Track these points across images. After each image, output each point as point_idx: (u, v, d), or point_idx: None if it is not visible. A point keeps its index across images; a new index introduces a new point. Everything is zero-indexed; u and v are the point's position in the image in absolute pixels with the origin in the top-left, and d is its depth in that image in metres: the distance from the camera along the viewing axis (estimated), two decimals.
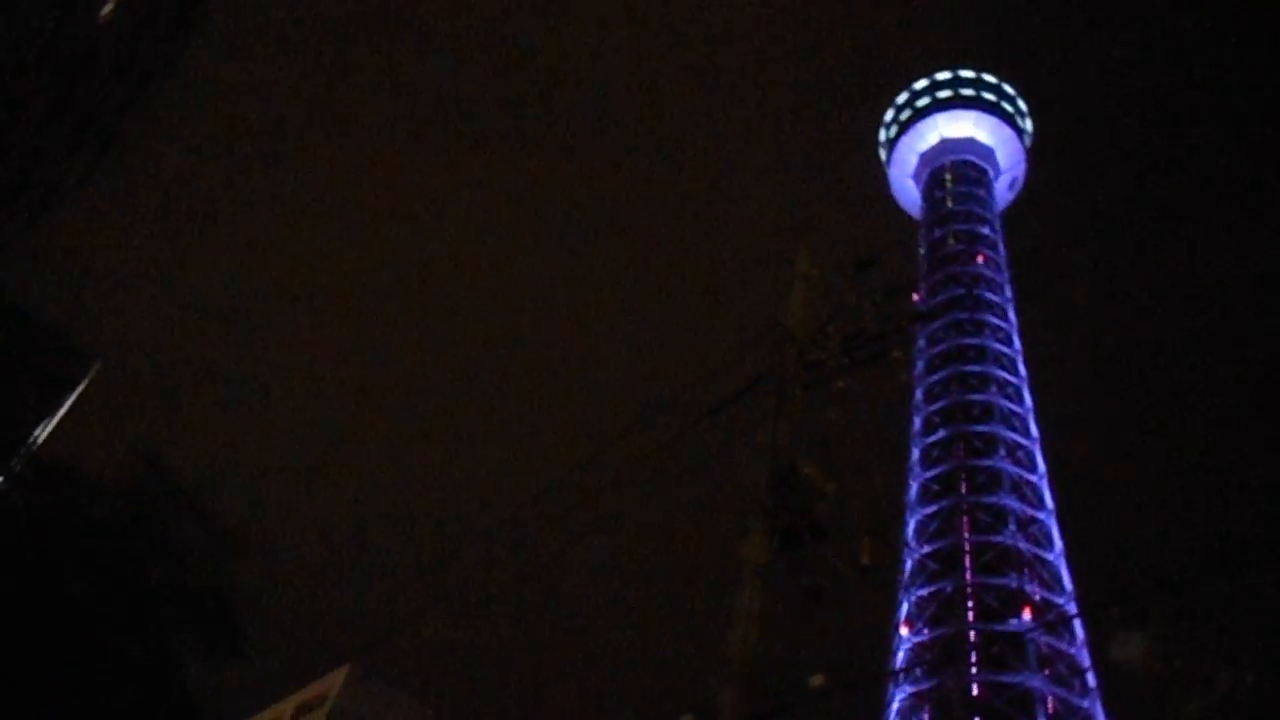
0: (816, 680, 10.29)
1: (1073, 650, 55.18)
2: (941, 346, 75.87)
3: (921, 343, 76.81)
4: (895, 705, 57.96)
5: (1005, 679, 53.67)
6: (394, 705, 67.44)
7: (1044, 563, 60.49)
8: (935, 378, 73.64)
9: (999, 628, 55.28)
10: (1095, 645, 55.64)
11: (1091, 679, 56.15)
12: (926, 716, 56.32)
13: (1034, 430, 70.24)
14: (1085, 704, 54.64)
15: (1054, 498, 65.68)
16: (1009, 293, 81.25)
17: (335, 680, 68.31)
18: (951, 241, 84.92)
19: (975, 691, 54.14)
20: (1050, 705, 53.78)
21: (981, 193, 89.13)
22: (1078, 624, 56.33)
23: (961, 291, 78.65)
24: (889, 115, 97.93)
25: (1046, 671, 54.81)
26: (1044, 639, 55.80)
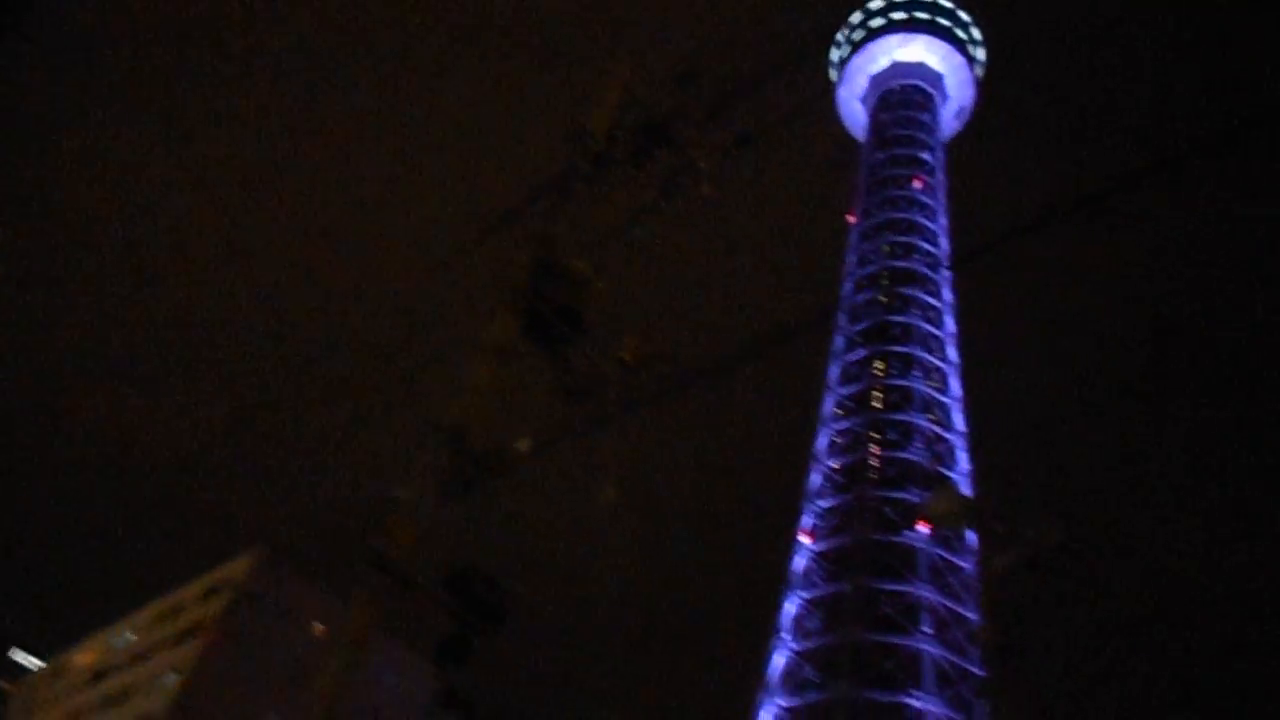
0: (523, 444, 9.87)
1: (963, 563, 56.29)
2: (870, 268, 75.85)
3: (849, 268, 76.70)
4: (792, 610, 59.11)
5: (895, 588, 54.80)
6: (302, 591, 66.10)
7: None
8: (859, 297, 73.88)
9: (893, 538, 56.22)
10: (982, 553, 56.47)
11: (971, 569, 57.07)
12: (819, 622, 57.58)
13: (952, 355, 70.91)
14: (970, 615, 55.94)
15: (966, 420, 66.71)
16: (944, 220, 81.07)
17: (242, 564, 67.02)
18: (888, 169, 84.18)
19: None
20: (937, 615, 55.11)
21: (926, 118, 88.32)
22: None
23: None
24: (841, 34, 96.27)
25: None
26: (937, 553, 56.84)
